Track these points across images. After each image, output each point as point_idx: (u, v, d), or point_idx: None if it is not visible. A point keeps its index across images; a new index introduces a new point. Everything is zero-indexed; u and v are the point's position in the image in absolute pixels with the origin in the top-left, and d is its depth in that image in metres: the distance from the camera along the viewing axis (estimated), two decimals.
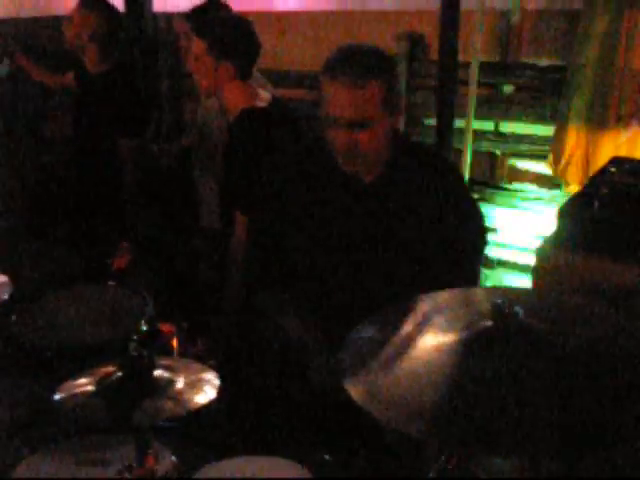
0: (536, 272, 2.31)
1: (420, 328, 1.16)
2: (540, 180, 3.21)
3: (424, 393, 1.00)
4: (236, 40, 2.21)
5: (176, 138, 3.44)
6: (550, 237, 2.25)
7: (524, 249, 3.15)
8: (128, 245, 2.89)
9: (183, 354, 1.98)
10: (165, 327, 2.03)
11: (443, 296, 1.26)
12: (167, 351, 1.99)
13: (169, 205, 3.09)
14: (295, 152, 1.84)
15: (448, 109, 3.07)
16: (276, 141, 2.28)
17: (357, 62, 1.49)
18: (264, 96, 2.35)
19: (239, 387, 2.26)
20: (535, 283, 2.31)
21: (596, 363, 0.98)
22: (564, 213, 2.28)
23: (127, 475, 1.13)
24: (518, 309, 1.05)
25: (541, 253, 2.32)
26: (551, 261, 2.28)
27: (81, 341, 1.65)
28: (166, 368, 1.16)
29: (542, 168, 3.15)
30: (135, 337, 1.45)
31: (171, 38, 3.83)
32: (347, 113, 1.49)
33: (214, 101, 2.61)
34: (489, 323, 1.07)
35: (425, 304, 1.23)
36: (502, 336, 1.04)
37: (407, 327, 1.18)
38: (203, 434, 1.61)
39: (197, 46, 2.23)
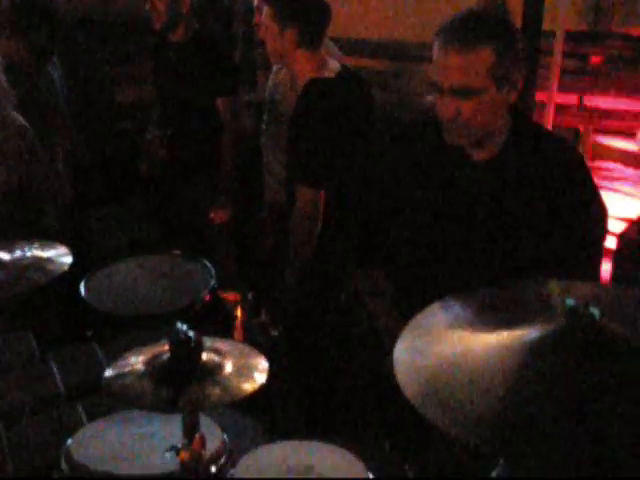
0: (618, 258, 2.17)
1: (486, 321, 1.08)
2: (627, 159, 3.01)
3: (483, 397, 0.92)
4: (302, 5, 2.16)
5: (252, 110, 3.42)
6: (635, 222, 2.10)
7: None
8: (228, 199, 2.92)
9: (247, 323, 1.97)
10: (230, 296, 2.03)
11: (516, 287, 1.16)
12: (231, 319, 1.99)
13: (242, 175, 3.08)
14: (405, 132, 1.77)
15: (529, 81, 2.90)
16: (344, 112, 2.22)
17: (468, 27, 1.44)
18: (333, 66, 2.27)
19: (300, 362, 2.25)
20: (615, 270, 2.17)
21: None
22: None
23: (173, 456, 1.11)
24: (595, 310, 0.95)
25: (625, 238, 2.17)
26: (634, 247, 2.13)
27: (146, 309, 1.67)
28: (215, 351, 1.13)
29: (630, 146, 2.94)
30: (188, 314, 1.44)
31: (245, 7, 3.79)
32: (451, 79, 1.44)
33: (285, 72, 2.55)
34: (562, 324, 0.98)
35: (502, 293, 1.14)
36: (575, 340, 0.94)
37: (473, 317, 1.10)
38: (258, 412, 1.59)
39: (265, 13, 2.19)
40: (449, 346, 1.05)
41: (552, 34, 2.81)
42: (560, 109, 3.05)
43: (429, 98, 1.60)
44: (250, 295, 2.15)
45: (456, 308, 1.14)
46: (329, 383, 2.18)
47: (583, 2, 3.02)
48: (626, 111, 2.95)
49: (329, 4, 2.23)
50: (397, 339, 1.59)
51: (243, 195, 3.11)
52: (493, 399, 0.92)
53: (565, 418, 0.86)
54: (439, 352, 1.04)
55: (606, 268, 2.76)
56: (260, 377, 1.11)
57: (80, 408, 1.56)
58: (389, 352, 1.58)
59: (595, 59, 3.01)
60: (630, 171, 2.99)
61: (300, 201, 2.23)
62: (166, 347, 1.13)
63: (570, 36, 2.85)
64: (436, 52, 1.47)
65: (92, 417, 1.48)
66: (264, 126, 2.78)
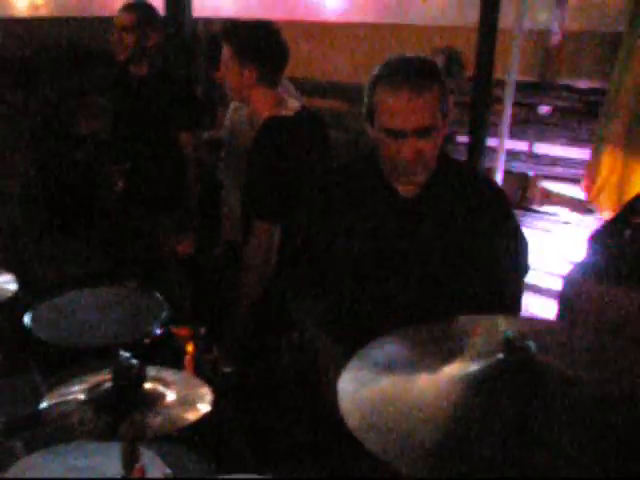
0: (563, 299, 2.23)
1: (430, 353, 1.10)
2: (572, 204, 3.12)
3: (424, 427, 0.94)
4: (260, 45, 2.19)
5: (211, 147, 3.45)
6: (579, 264, 2.16)
7: (552, 274, 3.06)
8: (191, 234, 2.90)
9: (198, 359, 1.95)
10: (182, 331, 2.01)
11: (462, 320, 1.19)
12: (182, 354, 1.96)
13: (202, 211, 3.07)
14: (341, 169, 1.81)
15: (481, 127, 3.00)
16: (300, 149, 2.25)
17: (416, 70, 1.48)
18: (292, 105, 2.31)
19: (249, 397, 2.23)
20: (560, 311, 2.22)
21: (611, 411, 0.91)
22: (595, 240, 2.19)
23: None
24: (531, 344, 0.98)
25: (570, 280, 2.24)
26: (579, 289, 2.20)
27: (93, 341, 1.64)
28: (158, 381, 1.12)
29: (575, 192, 3.05)
30: (139, 348, 1.42)
31: (207, 45, 3.84)
32: (415, 122, 1.46)
33: (246, 111, 2.58)
34: (500, 357, 1.01)
35: (441, 328, 1.16)
36: (511, 371, 0.97)
37: (418, 351, 1.12)
38: (205, 448, 1.57)
39: (225, 51, 2.23)
40: (392, 379, 1.06)
41: (503, 83, 2.94)
42: (510, 155, 3.16)
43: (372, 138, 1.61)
44: (202, 330, 2.13)
45: (399, 342, 1.16)
46: (277, 419, 2.16)
47: (532, 54, 3.17)
48: (572, 159, 3.08)
49: (287, 45, 2.28)
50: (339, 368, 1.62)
51: (200, 230, 3.10)
52: (433, 429, 0.94)
53: (503, 445, 0.88)
54: (382, 384, 1.06)
55: (551, 308, 2.84)
56: (204, 407, 1.10)
57: (18, 443, 1.51)
58: (330, 381, 1.59)
59: (544, 109, 3.14)
60: (575, 216, 3.09)
61: (255, 236, 2.24)
62: (108, 376, 1.11)
63: (520, 86, 2.98)
64: (385, 99, 1.48)
65: (31, 452, 1.44)
66: (223, 162, 2.80)
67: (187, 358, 2.02)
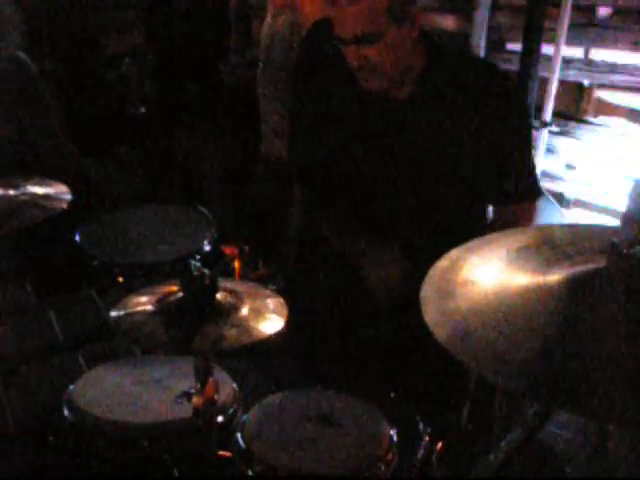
0: (627, 219, 2.13)
1: (509, 265, 1.02)
2: (632, 115, 2.94)
3: (518, 340, 0.87)
4: None
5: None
6: None
7: (605, 190, 2.93)
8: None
9: (244, 276, 1.92)
10: (228, 249, 1.98)
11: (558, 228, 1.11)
12: (229, 273, 1.94)
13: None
14: (332, 75, 1.70)
15: (535, 32, 2.81)
16: None
17: None
18: None
19: (301, 314, 2.20)
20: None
21: None
22: None
23: (185, 402, 1.05)
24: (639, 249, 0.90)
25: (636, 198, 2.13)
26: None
27: (145, 258, 1.62)
28: (230, 292, 1.06)
29: (636, 102, 2.87)
30: (198, 257, 1.37)
31: None
32: (350, 30, 1.41)
33: (284, 18, 2.45)
34: (598, 265, 0.93)
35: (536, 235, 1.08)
36: (618, 278, 0.89)
37: (495, 262, 1.04)
38: (267, 362, 1.55)
39: None
40: (480, 288, 1.00)
41: None
42: (566, 62, 2.97)
43: None
44: (247, 249, 2.10)
45: (481, 252, 1.09)
46: (330, 337, 2.14)
47: None
48: (633, 66, 2.87)
49: None
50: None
51: (240, 147, 3.03)
52: (527, 342, 0.88)
53: (613, 362, 0.81)
54: (470, 294, 0.99)
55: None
56: (278, 320, 1.05)
57: (80, 357, 1.50)
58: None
59: (602, 10, 2.92)
60: (635, 128, 2.92)
61: None
62: (177, 287, 1.06)
63: None
64: (328, 9, 1.41)
65: (93, 366, 1.43)
66: (259, 75, 2.69)
67: (234, 275, 1.99)
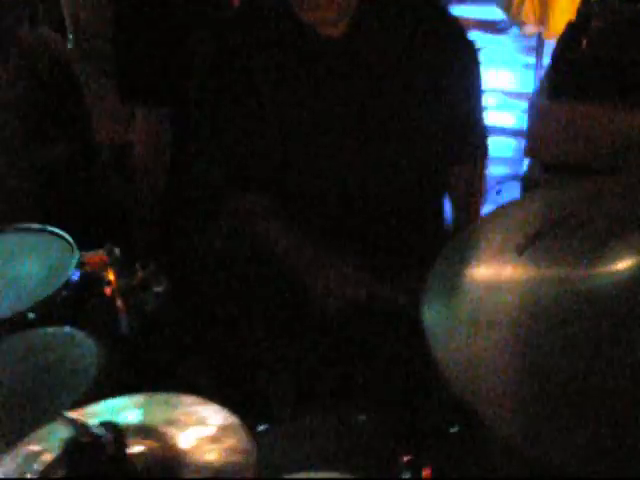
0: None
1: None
2: (484, 26, 2.82)
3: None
4: None
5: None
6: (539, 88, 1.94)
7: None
8: None
9: (124, 287, 1.51)
10: (92, 258, 1.55)
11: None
12: (103, 297, 1.52)
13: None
14: (236, 20, 1.45)
15: None
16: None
17: None
18: None
19: (197, 315, 1.88)
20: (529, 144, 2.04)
21: None
22: (553, 58, 1.95)
23: None
24: None
25: (532, 105, 2.03)
26: (542, 110, 1.98)
27: None
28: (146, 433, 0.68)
29: (486, 13, 2.74)
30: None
31: None
32: None
33: None
34: None
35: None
36: None
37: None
38: None
39: None
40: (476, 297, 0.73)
41: None
42: None
43: None
44: (117, 251, 1.67)
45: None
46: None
47: None
48: None
49: None
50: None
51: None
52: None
53: None
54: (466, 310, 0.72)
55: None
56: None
57: None
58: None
59: None
60: (489, 37, 2.81)
61: (138, 126, 1.88)
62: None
63: None
64: None
65: None
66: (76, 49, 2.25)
67: (110, 289, 1.56)
